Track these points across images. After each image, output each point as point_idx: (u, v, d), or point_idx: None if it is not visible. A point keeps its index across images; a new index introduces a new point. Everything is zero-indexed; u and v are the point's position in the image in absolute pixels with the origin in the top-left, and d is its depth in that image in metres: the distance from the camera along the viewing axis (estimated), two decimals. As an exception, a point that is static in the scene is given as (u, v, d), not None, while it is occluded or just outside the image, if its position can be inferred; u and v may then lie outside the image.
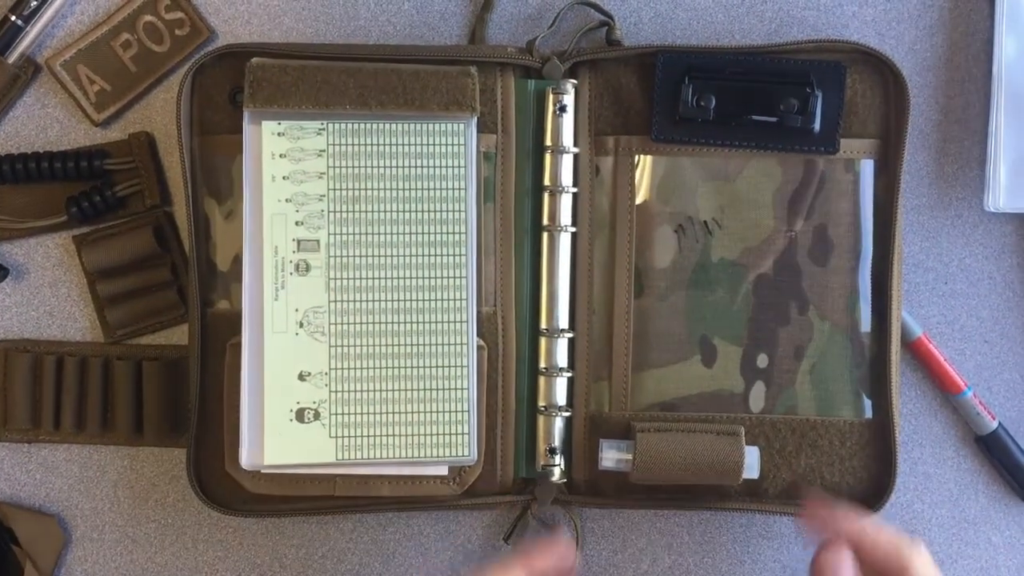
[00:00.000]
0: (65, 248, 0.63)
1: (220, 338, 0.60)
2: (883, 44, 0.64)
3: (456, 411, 0.59)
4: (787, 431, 0.61)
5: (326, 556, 0.64)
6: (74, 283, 0.64)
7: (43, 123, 0.63)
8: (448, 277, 0.59)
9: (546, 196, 0.61)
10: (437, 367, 0.59)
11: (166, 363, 0.62)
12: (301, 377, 0.58)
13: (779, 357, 0.61)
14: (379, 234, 0.59)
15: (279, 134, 0.59)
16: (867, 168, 0.61)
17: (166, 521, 0.64)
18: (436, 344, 0.59)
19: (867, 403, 0.61)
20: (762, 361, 0.61)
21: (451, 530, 0.64)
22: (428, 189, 0.59)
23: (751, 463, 0.60)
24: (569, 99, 0.61)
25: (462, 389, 0.59)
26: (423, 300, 0.59)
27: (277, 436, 0.58)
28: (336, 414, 0.58)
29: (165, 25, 0.63)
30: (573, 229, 0.62)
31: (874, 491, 0.61)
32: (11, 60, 0.62)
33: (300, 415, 0.58)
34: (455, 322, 0.59)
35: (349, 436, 0.58)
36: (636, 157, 0.62)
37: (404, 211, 0.59)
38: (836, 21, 0.64)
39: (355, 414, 0.58)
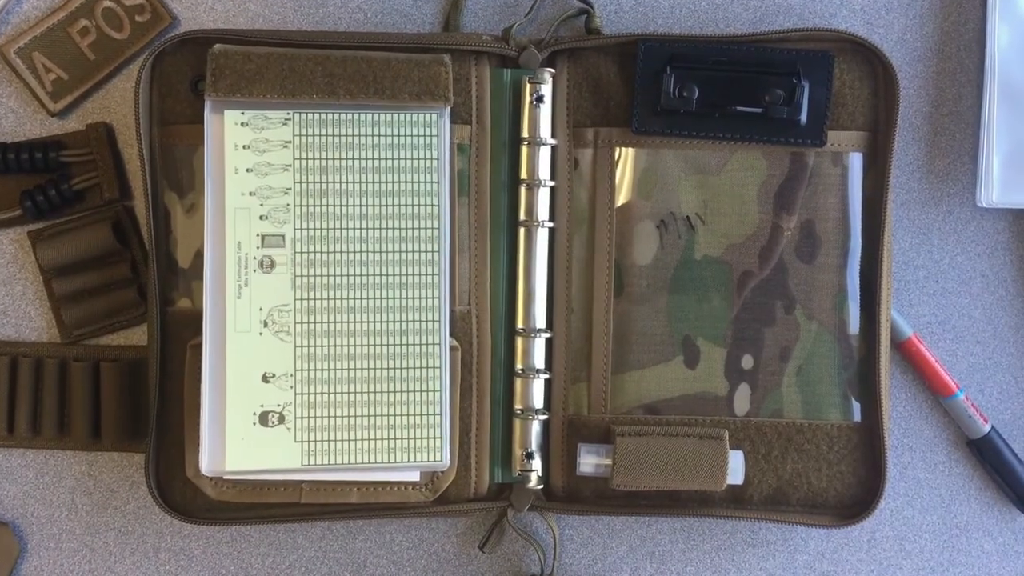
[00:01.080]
0: (20, 244, 0.61)
1: (181, 338, 0.57)
2: (872, 33, 0.62)
3: (428, 414, 0.56)
4: (773, 435, 0.59)
5: (294, 565, 0.62)
6: (29, 281, 0.61)
7: None
8: (420, 274, 0.57)
9: (523, 190, 0.59)
10: (408, 368, 0.56)
11: (125, 364, 0.60)
12: (265, 379, 0.56)
13: (765, 358, 0.59)
14: (348, 229, 0.56)
15: (242, 124, 0.56)
16: (855, 161, 0.59)
17: (126, 529, 0.61)
18: (407, 344, 0.56)
19: (855, 406, 0.59)
20: (747, 362, 0.59)
21: (424, 538, 0.62)
22: (399, 182, 0.57)
23: (735, 468, 0.58)
24: (547, 89, 0.59)
25: (434, 391, 0.56)
26: (394, 298, 0.56)
27: (239, 441, 0.56)
28: (302, 417, 0.56)
29: (125, 11, 0.60)
30: (551, 224, 0.59)
31: (863, 496, 0.59)
32: None
33: (264, 418, 0.56)
34: (427, 321, 0.57)
35: (315, 440, 0.56)
36: (616, 150, 0.59)
37: (374, 205, 0.57)
38: (823, 9, 0.62)
39: (322, 417, 0.56)
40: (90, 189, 0.60)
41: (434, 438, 0.56)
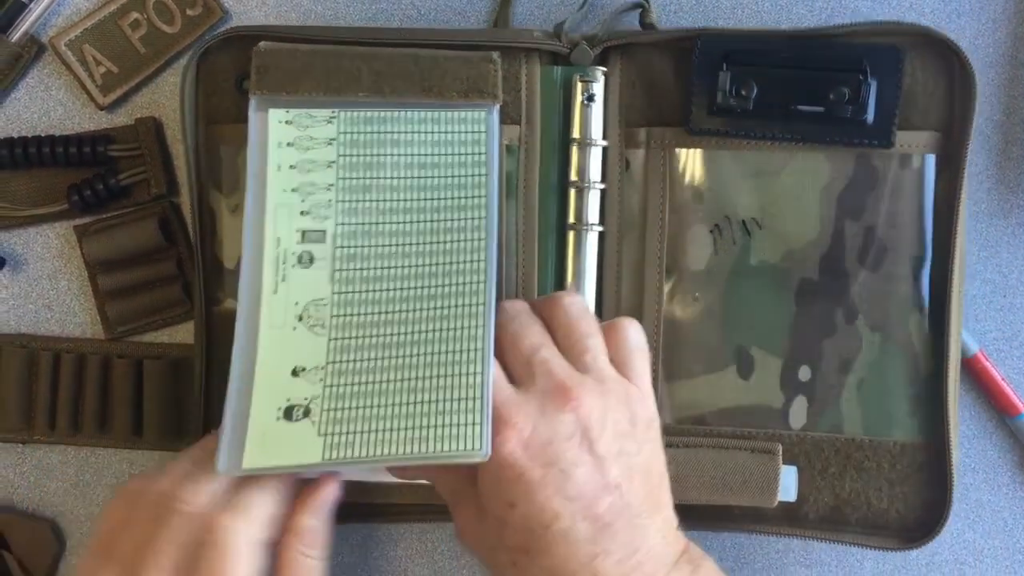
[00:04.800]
0: (66, 238, 0.61)
1: (226, 339, 0.57)
2: None
3: (467, 398, 0.51)
4: (830, 451, 0.56)
5: (333, 571, 0.61)
6: (74, 276, 0.61)
7: (46, 106, 0.61)
8: (465, 262, 0.54)
9: (572, 192, 0.57)
10: (447, 352, 0.53)
11: (169, 363, 0.59)
12: (295, 373, 0.54)
13: (823, 370, 0.56)
14: (390, 223, 0.55)
15: (287, 122, 0.55)
16: (928, 164, 0.56)
17: (167, 527, 0.61)
18: (448, 329, 0.53)
19: (921, 424, 0.56)
20: (804, 374, 0.56)
21: (467, 547, 0.61)
22: (445, 176, 0.55)
23: (787, 484, 0.55)
24: (598, 88, 0.57)
25: (475, 374, 0.52)
26: (436, 286, 0.54)
27: (260, 437, 0.53)
28: (328, 410, 0.53)
29: (176, 4, 0.60)
30: (601, 228, 0.57)
31: (926, 519, 0.56)
32: (14, 39, 0.60)
33: (288, 413, 0.54)
34: (471, 305, 0.53)
35: (340, 432, 0.52)
36: (670, 151, 0.57)
37: (418, 199, 0.55)
38: (891, 12, 0.59)
39: (350, 408, 0.53)
40: (137, 184, 0.60)
41: (473, 424, 0.51)
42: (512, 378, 0.50)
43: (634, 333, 0.51)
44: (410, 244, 0.55)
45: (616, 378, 0.49)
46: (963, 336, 0.58)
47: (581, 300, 0.51)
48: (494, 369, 0.51)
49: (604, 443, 0.47)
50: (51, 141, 0.60)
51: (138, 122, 0.60)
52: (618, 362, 0.50)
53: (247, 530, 0.48)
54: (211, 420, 0.57)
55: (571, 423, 0.46)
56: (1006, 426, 0.60)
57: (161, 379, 0.59)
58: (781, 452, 0.55)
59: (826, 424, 0.56)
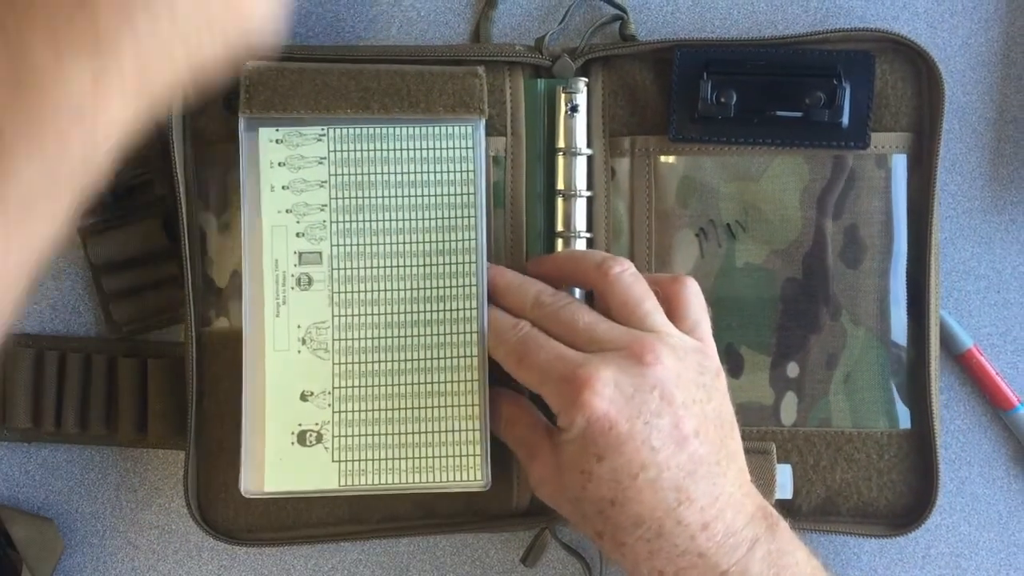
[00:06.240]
0: (70, 240, 0.60)
1: (219, 358, 0.57)
2: (935, 37, 0.61)
3: (467, 430, 0.55)
4: (821, 444, 0.58)
5: (336, 568, 0.61)
6: (79, 276, 0.61)
7: None
8: (458, 286, 0.56)
9: (559, 201, 0.58)
10: (446, 382, 0.55)
11: (173, 361, 0.59)
12: (303, 397, 0.55)
13: (811, 366, 0.58)
14: (384, 244, 0.56)
15: (277, 141, 0.56)
16: (900, 163, 0.58)
17: (170, 527, 0.61)
18: (445, 357, 0.56)
19: (905, 413, 0.58)
20: (792, 370, 0.58)
21: (468, 543, 0.61)
22: (435, 195, 0.56)
23: (783, 483, 0.57)
24: (581, 98, 0.58)
25: (472, 405, 0.55)
26: (432, 311, 0.56)
27: (277, 461, 0.55)
28: (339, 436, 0.55)
29: None
30: (588, 235, 0.58)
31: (915, 506, 0.58)
32: None
33: (302, 438, 0.55)
34: (465, 333, 0.56)
35: (352, 460, 0.55)
36: (654, 158, 0.58)
37: (410, 219, 0.56)
38: (885, 12, 0.61)
39: (359, 436, 0.55)
40: (142, 185, 0.60)
41: (473, 455, 0.55)
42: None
43: (691, 288, 0.53)
44: (405, 266, 0.56)
45: (679, 334, 0.51)
46: (957, 331, 0.60)
47: (629, 266, 0.52)
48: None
49: (681, 394, 0.49)
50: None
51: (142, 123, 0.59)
52: (678, 318, 0.52)
53: None
54: (204, 437, 0.57)
55: (651, 376, 0.48)
56: (1000, 420, 0.61)
57: (166, 378, 0.59)
58: (775, 451, 0.57)
59: (816, 419, 0.58)
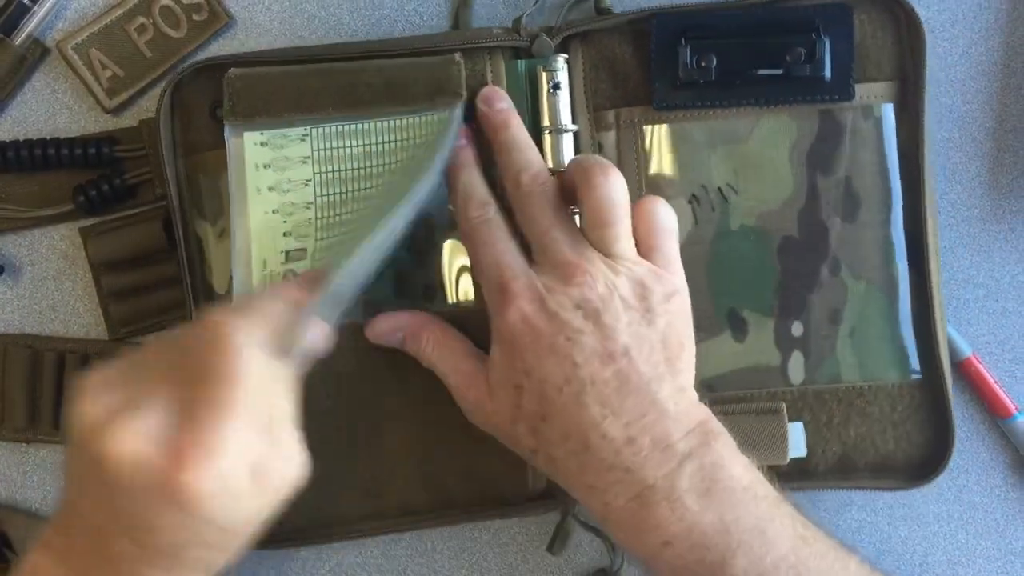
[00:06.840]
0: (71, 240, 0.61)
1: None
2: (935, 46, 0.60)
3: None
4: (832, 401, 0.57)
5: (333, 571, 0.61)
6: (79, 276, 0.61)
7: (52, 109, 0.61)
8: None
9: (549, 179, 0.58)
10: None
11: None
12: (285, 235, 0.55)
13: (815, 323, 0.57)
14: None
15: (262, 144, 0.56)
16: (888, 112, 0.57)
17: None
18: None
19: (914, 363, 0.57)
20: (797, 329, 0.58)
21: (465, 547, 0.61)
22: (417, 182, 0.56)
23: (796, 440, 0.56)
24: (563, 75, 0.58)
25: None
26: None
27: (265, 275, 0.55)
28: (321, 239, 0.55)
29: (182, 9, 0.60)
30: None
31: (931, 457, 0.57)
32: (17, 41, 0.60)
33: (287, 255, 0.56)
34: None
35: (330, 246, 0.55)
36: (639, 129, 0.58)
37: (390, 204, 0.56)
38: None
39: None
40: (142, 185, 0.60)
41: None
42: (530, 257, 0.52)
43: (661, 212, 0.53)
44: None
45: (633, 259, 0.52)
46: (956, 340, 0.60)
47: (614, 183, 0.52)
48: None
49: (611, 314, 0.50)
50: (56, 143, 0.60)
51: (142, 123, 0.60)
52: (643, 245, 0.52)
53: (246, 326, 0.46)
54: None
55: (575, 296, 0.50)
56: (998, 428, 0.61)
57: None
58: (785, 410, 0.56)
59: (825, 376, 0.57)
